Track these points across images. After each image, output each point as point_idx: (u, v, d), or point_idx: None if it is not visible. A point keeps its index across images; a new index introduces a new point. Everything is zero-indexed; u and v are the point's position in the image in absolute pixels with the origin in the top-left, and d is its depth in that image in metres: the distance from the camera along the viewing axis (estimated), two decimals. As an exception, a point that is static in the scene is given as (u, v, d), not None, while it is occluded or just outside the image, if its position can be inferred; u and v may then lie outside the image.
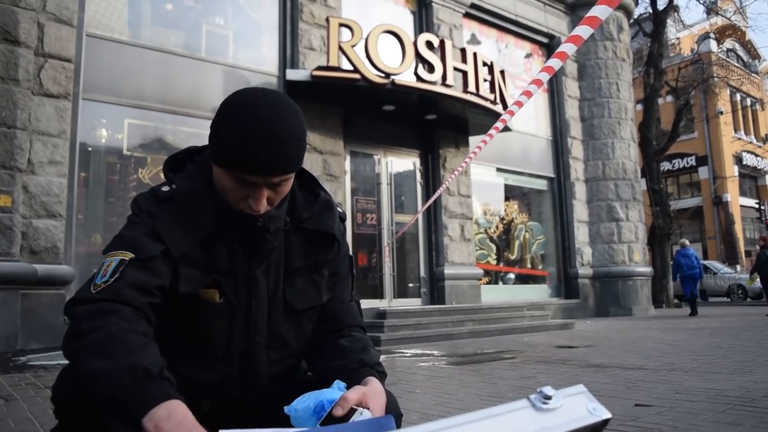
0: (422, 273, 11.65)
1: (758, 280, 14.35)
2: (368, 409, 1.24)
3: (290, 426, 1.23)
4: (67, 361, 1.27)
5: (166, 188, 1.42)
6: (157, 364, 1.15)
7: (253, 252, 1.43)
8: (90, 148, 8.16)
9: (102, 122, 8.33)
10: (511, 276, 13.72)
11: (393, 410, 1.44)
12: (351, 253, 1.67)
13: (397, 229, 10.93)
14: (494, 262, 13.33)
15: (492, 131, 3.38)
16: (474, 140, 12.24)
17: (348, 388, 1.31)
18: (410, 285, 11.60)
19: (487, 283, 12.82)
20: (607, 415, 0.89)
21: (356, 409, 1.21)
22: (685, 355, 6.03)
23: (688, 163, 30.79)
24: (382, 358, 1.67)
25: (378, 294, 10.63)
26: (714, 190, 29.40)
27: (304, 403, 1.24)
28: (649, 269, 15.28)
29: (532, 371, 5.32)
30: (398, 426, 1.38)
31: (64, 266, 7.23)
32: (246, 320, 1.44)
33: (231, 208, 1.37)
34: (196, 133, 9.11)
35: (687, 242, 14.68)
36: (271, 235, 1.44)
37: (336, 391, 1.28)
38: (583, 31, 2.28)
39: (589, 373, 5.05)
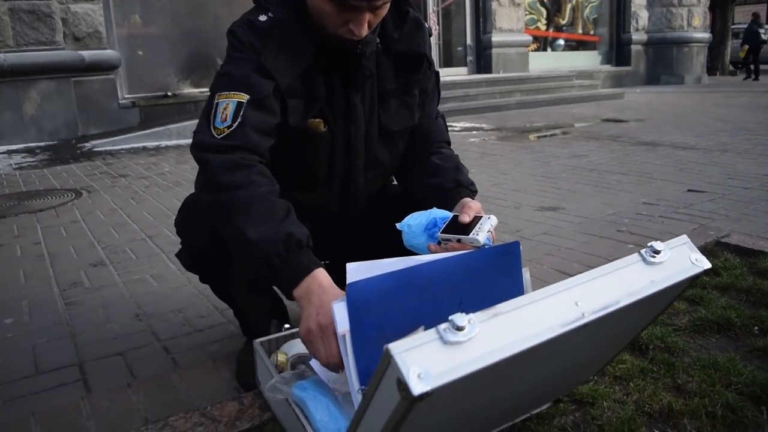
0: (468, 41, 11.26)
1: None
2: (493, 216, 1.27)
3: (392, 243, 1.29)
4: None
5: (263, 17, 1.36)
6: (305, 234, 1.20)
7: (350, 80, 1.42)
8: None
9: None
10: (561, 42, 13.17)
11: None
12: (437, 68, 1.64)
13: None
14: (543, 28, 12.73)
15: None
16: None
17: (442, 206, 1.35)
18: (456, 53, 11.29)
19: (535, 50, 12.39)
20: (708, 265, 0.94)
21: (481, 216, 1.23)
22: (738, 135, 5.96)
23: None
24: None
25: (423, 65, 10.40)
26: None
27: (416, 220, 1.28)
28: (707, 35, 14.42)
29: (583, 149, 5.37)
30: None
31: (109, 51, 7.20)
32: (346, 146, 1.48)
33: (329, 34, 1.32)
34: None
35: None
36: (367, 60, 1.41)
37: (443, 211, 1.30)
38: None
39: (641, 152, 5.08)
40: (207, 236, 1.34)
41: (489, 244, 1.20)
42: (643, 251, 0.91)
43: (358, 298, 1.01)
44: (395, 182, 1.73)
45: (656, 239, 2.73)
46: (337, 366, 1.09)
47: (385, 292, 1.03)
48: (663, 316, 1.74)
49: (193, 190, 1.39)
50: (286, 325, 1.45)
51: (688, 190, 3.60)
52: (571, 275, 2.27)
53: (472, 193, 1.47)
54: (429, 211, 1.31)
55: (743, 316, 1.68)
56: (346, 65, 1.40)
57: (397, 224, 1.30)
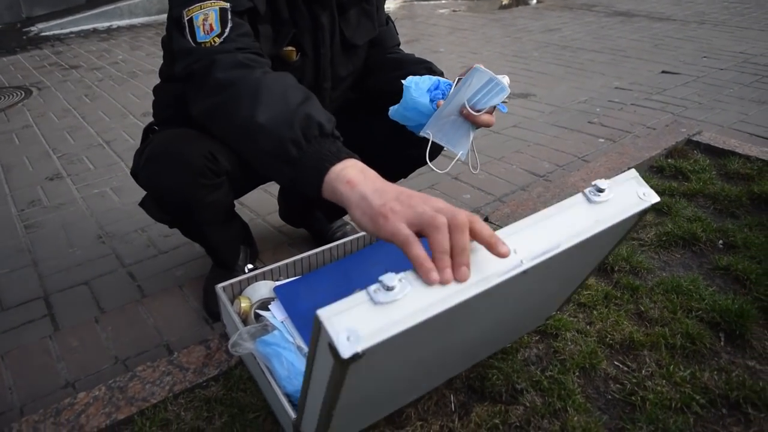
0: None
1: None
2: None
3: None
4: None
5: None
6: (331, 120, 0.94)
7: None
8: None
9: None
10: None
11: None
12: None
13: None
14: None
15: None
16: None
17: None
18: None
19: None
20: (656, 198, 0.91)
21: (476, 67, 1.13)
22: (716, 2, 5.77)
23: None
24: (398, 2, 1.62)
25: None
26: None
27: (421, 78, 1.23)
28: None
29: (556, 21, 5.18)
30: None
31: None
32: (315, 69, 1.37)
33: None
34: None
35: None
36: None
37: (445, 79, 1.24)
38: None
39: (615, 25, 4.92)
40: (183, 187, 1.24)
41: (506, 101, 1.16)
42: (587, 190, 0.87)
43: (286, 293, 0.99)
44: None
45: (627, 132, 2.68)
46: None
47: (312, 284, 1.02)
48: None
49: (150, 82, 1.27)
50: (249, 266, 1.42)
51: (663, 72, 3.52)
52: (541, 176, 2.24)
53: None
54: (428, 76, 1.26)
55: (709, 230, 1.69)
56: None
57: (402, 81, 1.23)
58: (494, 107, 1.16)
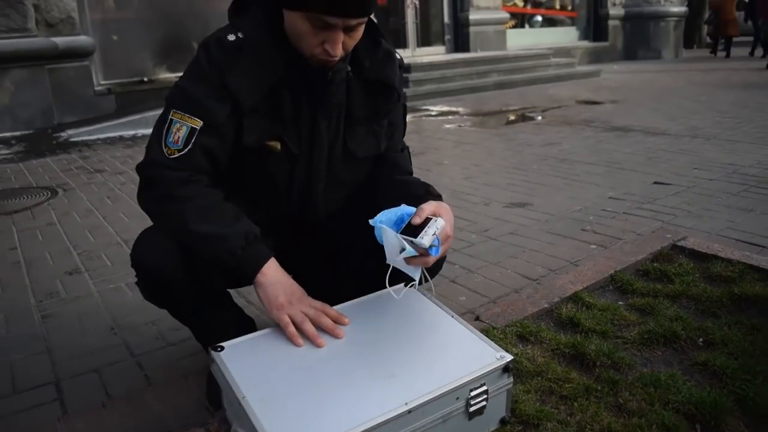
0: (446, 19, 11.23)
1: None
2: (441, 218, 1.35)
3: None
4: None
5: (232, 37, 1.39)
6: (258, 230, 1.39)
7: (318, 104, 1.47)
8: None
9: None
10: (539, 18, 13.18)
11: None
12: (406, 101, 1.70)
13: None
14: (521, 4, 12.73)
15: None
16: None
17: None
18: (434, 32, 11.26)
19: (513, 27, 12.40)
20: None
21: (432, 218, 1.32)
22: (709, 117, 6.06)
23: None
24: (409, 117, 1.80)
25: (401, 43, 10.36)
26: None
27: (386, 216, 1.36)
28: (683, 9, 14.48)
29: (556, 136, 5.44)
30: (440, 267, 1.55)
31: (83, 37, 7.10)
32: (307, 167, 1.52)
33: (305, 55, 1.37)
34: None
35: None
36: (336, 87, 1.46)
37: (411, 208, 1.38)
38: None
39: (612, 139, 5.17)
40: (165, 262, 1.39)
41: (436, 245, 1.30)
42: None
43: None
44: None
45: (618, 238, 2.80)
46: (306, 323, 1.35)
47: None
48: (614, 328, 1.84)
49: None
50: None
51: (655, 182, 3.70)
52: (534, 280, 2.36)
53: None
54: (398, 207, 1.39)
55: (689, 328, 1.78)
56: (315, 90, 1.45)
57: (370, 220, 1.36)
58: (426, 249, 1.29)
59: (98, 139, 6.17)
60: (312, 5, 1.28)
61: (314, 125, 1.48)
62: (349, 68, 1.48)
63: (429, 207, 1.35)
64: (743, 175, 3.74)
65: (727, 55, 14.36)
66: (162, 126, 1.39)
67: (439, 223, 1.31)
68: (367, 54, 1.51)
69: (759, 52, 13.52)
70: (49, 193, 4.06)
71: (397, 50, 1.62)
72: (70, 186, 4.25)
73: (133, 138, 6.19)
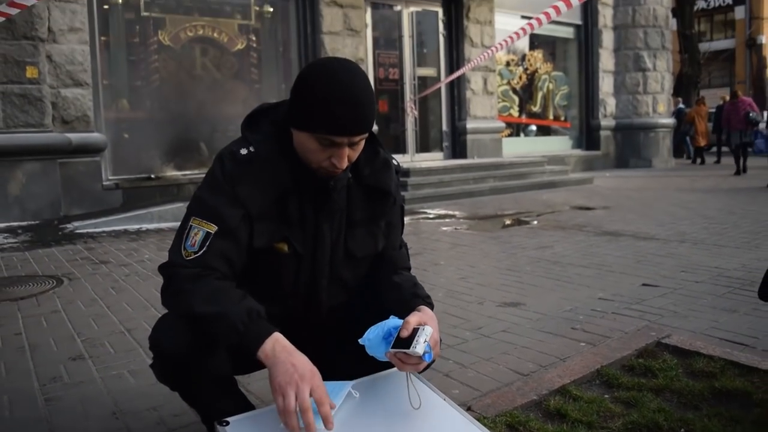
0: (444, 127, 11.72)
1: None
2: (428, 325, 1.46)
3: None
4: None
5: (245, 151, 1.57)
6: (262, 308, 1.45)
7: (321, 208, 1.63)
8: (108, 12, 8.05)
9: (118, -17, 8.14)
10: (533, 128, 13.73)
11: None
12: (403, 203, 1.86)
13: (420, 89, 10.88)
14: (516, 114, 13.30)
15: (520, 31, 3.38)
16: (499, -13, 11.77)
17: (404, 316, 1.52)
18: (432, 139, 11.73)
19: (509, 136, 12.90)
20: None
21: (419, 328, 1.42)
22: (697, 223, 6.28)
23: (723, 2, 29.09)
24: (406, 219, 1.92)
25: (400, 149, 10.77)
26: (749, 33, 28.01)
27: (374, 332, 1.47)
28: (672, 120, 15.16)
29: (549, 240, 5.61)
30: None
31: (96, 134, 7.45)
32: (311, 265, 1.67)
33: (312, 168, 1.54)
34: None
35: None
36: (337, 194, 1.63)
37: (397, 320, 1.49)
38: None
39: (603, 243, 5.33)
40: (180, 347, 1.50)
41: (428, 351, 1.40)
42: None
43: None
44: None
45: (606, 336, 2.90)
46: (307, 413, 1.30)
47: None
48: (599, 419, 1.91)
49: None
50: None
51: (643, 284, 3.82)
52: (524, 374, 2.46)
53: (428, 304, 1.64)
54: (385, 322, 1.49)
55: (671, 419, 1.86)
56: (319, 195, 1.61)
57: (359, 340, 1.47)
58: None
59: (103, 232, 6.35)
60: (320, 128, 1.46)
61: (318, 228, 1.63)
62: (350, 175, 1.65)
63: (414, 318, 1.47)
64: (728, 278, 3.88)
65: (702, 162, 15.69)
66: (183, 232, 1.54)
67: (427, 331, 1.42)
68: (367, 162, 1.68)
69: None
70: (55, 281, 4.18)
71: (397, 155, 1.80)
72: (75, 276, 4.37)
73: (138, 232, 6.36)
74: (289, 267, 1.65)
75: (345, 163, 1.51)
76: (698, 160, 16.19)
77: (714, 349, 2.41)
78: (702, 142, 15.77)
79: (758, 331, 2.84)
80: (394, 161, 1.77)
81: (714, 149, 17.03)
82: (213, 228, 1.51)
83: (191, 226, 1.53)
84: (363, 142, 1.55)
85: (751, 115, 12.29)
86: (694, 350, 2.41)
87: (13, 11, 3.03)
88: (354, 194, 1.68)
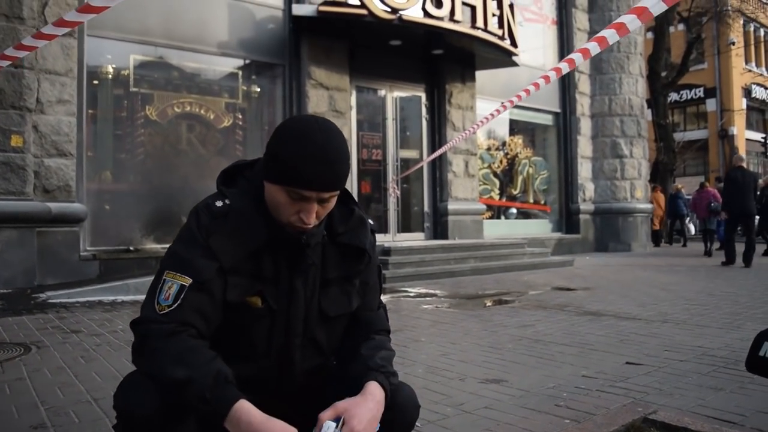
0: (426, 208, 11.82)
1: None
2: (342, 419, 1.41)
3: None
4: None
5: (220, 203, 1.56)
6: (230, 372, 1.40)
7: (295, 265, 1.60)
8: (97, 86, 8.17)
9: (108, 58, 8.29)
10: (513, 211, 13.91)
11: (410, 402, 1.64)
12: (379, 263, 1.83)
13: (403, 171, 11.06)
14: (497, 197, 13.49)
15: (507, 103, 3.48)
16: (480, 75, 12.20)
17: (356, 391, 1.50)
18: (414, 220, 11.80)
19: (490, 218, 13.03)
20: None
21: (324, 424, 1.38)
22: (678, 304, 6.28)
23: (696, 95, 30.35)
24: (387, 297, 1.86)
25: (382, 228, 10.79)
26: (721, 124, 29.15)
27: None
28: (649, 206, 15.49)
29: (531, 318, 5.56)
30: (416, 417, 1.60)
31: (77, 204, 7.40)
32: (285, 323, 1.61)
33: (282, 222, 1.53)
34: (201, 68, 9.12)
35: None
36: (311, 250, 1.60)
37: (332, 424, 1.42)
38: (609, 34, 2.33)
39: (585, 323, 5.29)
40: (147, 410, 1.41)
41: None
42: None
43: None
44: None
45: (591, 414, 2.82)
46: None
47: None
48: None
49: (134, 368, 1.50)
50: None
51: (627, 363, 3.76)
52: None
53: (383, 374, 1.57)
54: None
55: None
56: (292, 252, 1.59)
57: None
58: None
59: (77, 302, 6.19)
60: (290, 181, 1.47)
61: (291, 284, 1.60)
62: (325, 233, 1.64)
63: (328, 413, 1.43)
64: (713, 357, 3.84)
65: (656, 245, 16.77)
66: (156, 286, 1.50)
67: (327, 427, 1.39)
68: (342, 221, 1.68)
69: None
70: (22, 349, 4.02)
71: (379, 235, 1.80)
72: (44, 344, 4.21)
73: (113, 303, 6.22)
74: (262, 324, 1.60)
75: (313, 219, 1.51)
76: (660, 243, 17.24)
77: (702, 426, 2.35)
78: (657, 226, 16.99)
79: (746, 409, 2.78)
80: (370, 221, 1.76)
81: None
82: (187, 281, 1.47)
83: (165, 279, 1.49)
84: (334, 200, 1.55)
85: (712, 205, 13.75)
86: (683, 426, 2.34)
87: (22, 54, 3.05)
88: (328, 252, 1.66)
